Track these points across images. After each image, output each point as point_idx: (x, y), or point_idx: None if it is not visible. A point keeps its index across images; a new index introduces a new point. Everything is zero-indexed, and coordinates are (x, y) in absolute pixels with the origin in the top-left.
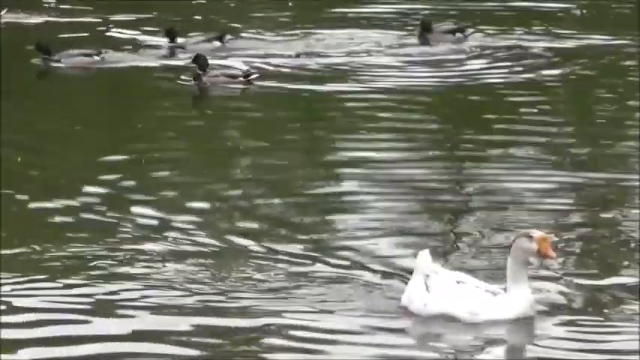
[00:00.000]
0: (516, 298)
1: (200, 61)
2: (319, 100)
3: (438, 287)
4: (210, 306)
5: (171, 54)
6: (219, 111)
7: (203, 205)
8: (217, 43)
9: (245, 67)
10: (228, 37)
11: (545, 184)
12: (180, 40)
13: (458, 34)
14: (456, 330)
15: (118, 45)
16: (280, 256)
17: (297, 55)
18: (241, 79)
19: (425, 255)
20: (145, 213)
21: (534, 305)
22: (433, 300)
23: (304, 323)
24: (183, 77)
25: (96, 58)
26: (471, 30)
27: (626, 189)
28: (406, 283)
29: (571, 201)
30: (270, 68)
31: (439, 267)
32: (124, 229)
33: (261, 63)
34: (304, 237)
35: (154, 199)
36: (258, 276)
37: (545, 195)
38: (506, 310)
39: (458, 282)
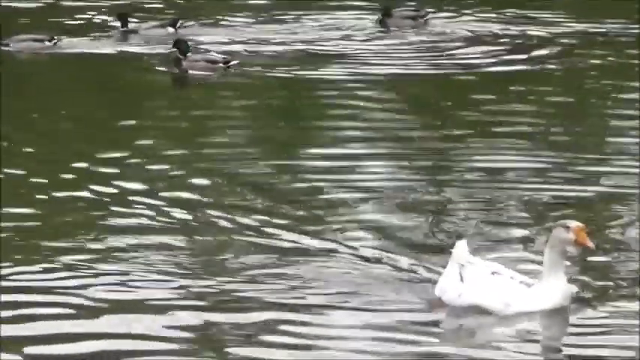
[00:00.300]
0: (550, 289)
1: (181, 45)
2: (301, 84)
3: (472, 278)
4: (204, 297)
5: (124, 39)
6: (202, 96)
7: (195, 188)
8: (170, 29)
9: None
10: (181, 22)
11: (536, 163)
12: (132, 25)
13: (418, 20)
14: (489, 322)
15: (73, 30)
16: (280, 243)
17: (282, 42)
18: (221, 65)
19: (462, 244)
20: (134, 195)
21: (569, 296)
22: (467, 291)
23: (313, 319)
24: (147, 60)
25: (47, 43)
26: (431, 14)
27: (621, 172)
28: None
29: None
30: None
31: (475, 257)
32: (112, 215)
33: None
34: (304, 221)
35: (142, 181)
36: (255, 264)
37: (534, 175)
38: (539, 301)
39: (493, 273)
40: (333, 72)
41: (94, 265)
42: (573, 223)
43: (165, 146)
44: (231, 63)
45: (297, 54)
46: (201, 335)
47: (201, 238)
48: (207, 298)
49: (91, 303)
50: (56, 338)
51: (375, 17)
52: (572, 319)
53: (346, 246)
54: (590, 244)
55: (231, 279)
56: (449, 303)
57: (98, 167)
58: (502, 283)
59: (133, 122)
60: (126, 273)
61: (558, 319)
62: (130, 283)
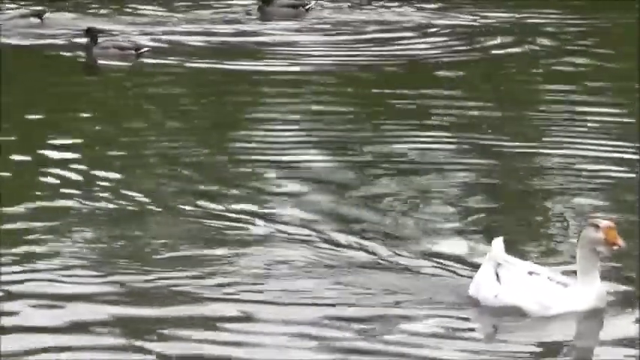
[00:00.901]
0: (587, 290)
1: (91, 33)
2: (211, 74)
3: (509, 278)
4: (137, 290)
5: None
6: (113, 82)
7: (125, 172)
8: (35, 20)
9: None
10: (47, 14)
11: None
12: None
13: (300, 8)
14: (523, 323)
15: None
16: (219, 230)
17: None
18: (132, 52)
19: (498, 243)
20: (64, 186)
21: (605, 297)
22: (504, 291)
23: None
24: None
25: None
26: (313, 3)
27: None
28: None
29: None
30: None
31: (511, 256)
32: (44, 206)
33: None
34: (243, 203)
35: (70, 170)
36: (195, 255)
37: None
38: (577, 302)
39: (530, 273)
40: (234, 61)
41: (25, 259)
42: (603, 222)
43: (94, 133)
44: (143, 50)
45: (193, 44)
46: (133, 329)
47: (136, 227)
48: (141, 292)
49: (24, 299)
50: None
51: (255, 5)
52: (607, 321)
53: (287, 232)
54: (621, 243)
55: (168, 271)
56: (484, 302)
57: (15, 157)
58: (540, 285)
59: (46, 112)
60: (60, 267)
61: (593, 321)
62: (63, 277)
